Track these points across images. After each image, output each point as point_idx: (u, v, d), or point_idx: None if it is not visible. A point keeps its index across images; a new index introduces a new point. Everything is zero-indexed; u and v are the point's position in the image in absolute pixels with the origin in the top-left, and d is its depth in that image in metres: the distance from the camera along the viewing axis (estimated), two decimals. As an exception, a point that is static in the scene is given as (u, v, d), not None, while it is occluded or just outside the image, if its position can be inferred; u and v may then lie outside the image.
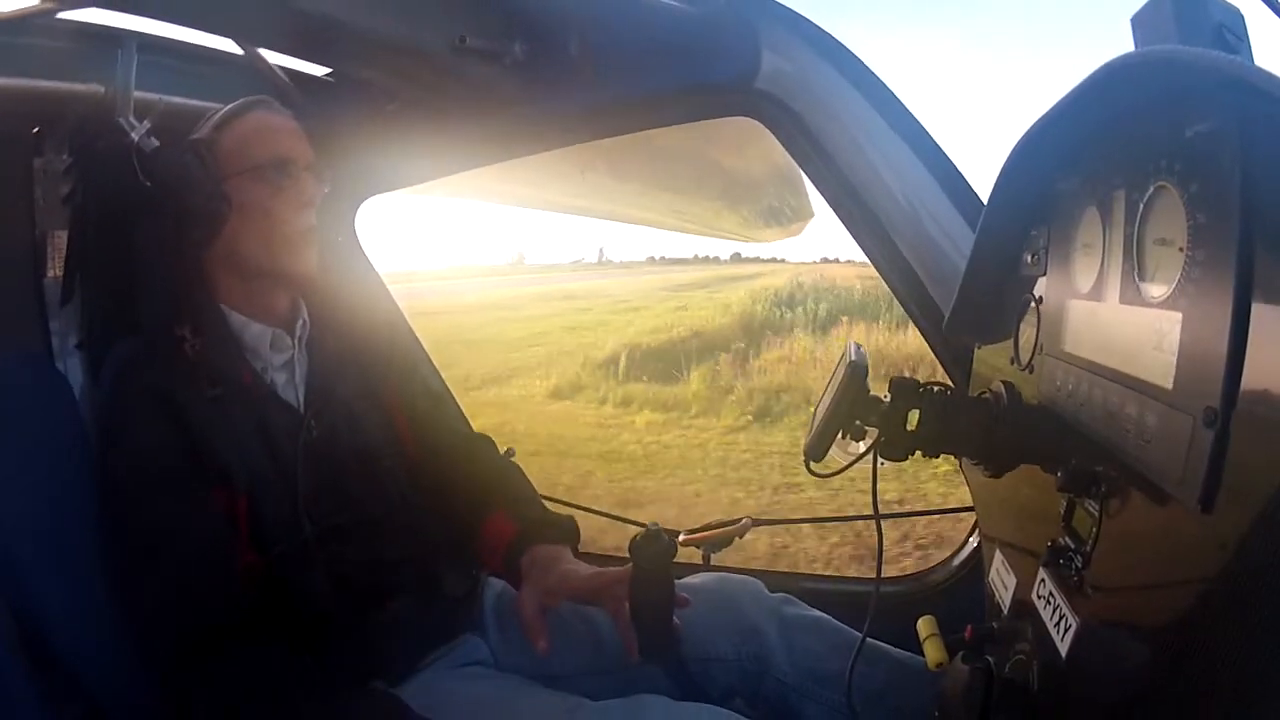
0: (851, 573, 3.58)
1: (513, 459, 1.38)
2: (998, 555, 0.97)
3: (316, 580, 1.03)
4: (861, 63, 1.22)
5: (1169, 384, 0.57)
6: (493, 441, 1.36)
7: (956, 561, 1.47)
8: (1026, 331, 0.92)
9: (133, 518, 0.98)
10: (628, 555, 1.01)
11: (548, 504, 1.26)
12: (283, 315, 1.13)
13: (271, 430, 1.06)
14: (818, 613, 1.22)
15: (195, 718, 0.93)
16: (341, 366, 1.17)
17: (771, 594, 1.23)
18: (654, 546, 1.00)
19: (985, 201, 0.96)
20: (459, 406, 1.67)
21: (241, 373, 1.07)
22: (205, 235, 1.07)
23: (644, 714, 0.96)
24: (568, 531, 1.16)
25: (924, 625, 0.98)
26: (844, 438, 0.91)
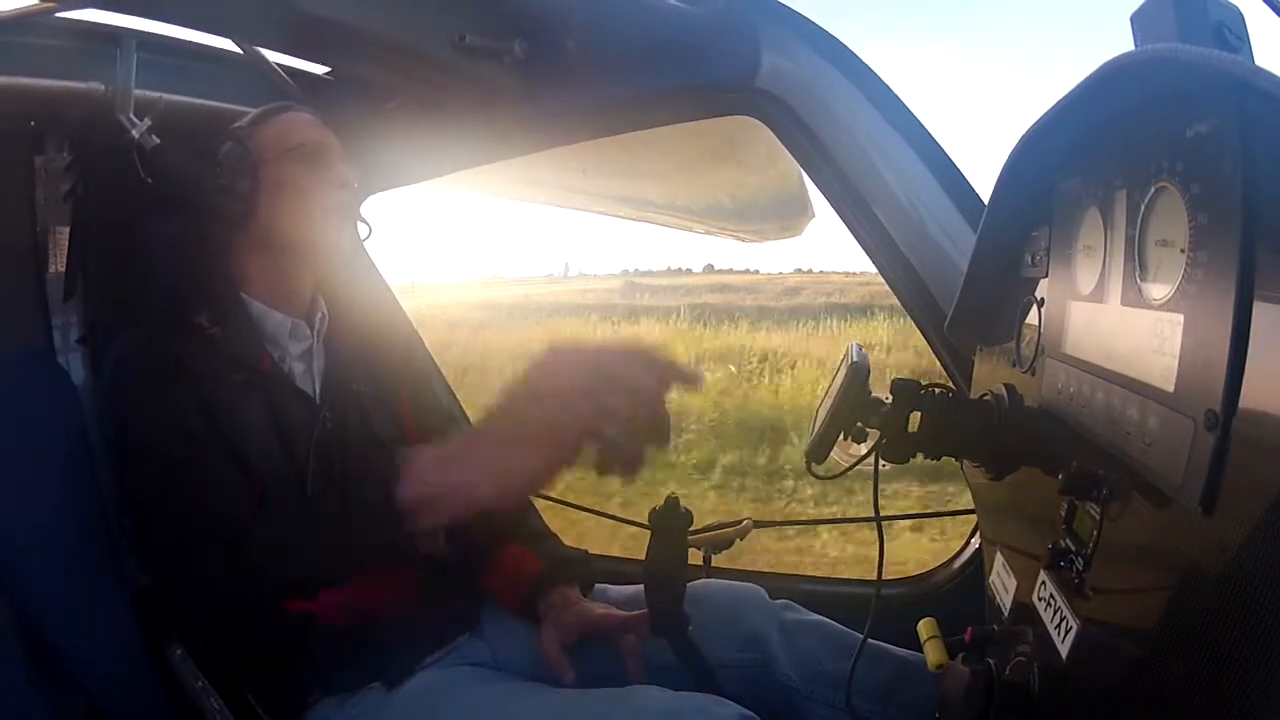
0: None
1: None
2: (998, 558, 0.97)
3: None
4: (862, 62, 1.22)
5: (1170, 386, 0.57)
6: None
7: (957, 564, 1.47)
8: (1028, 333, 0.92)
9: (148, 468, 0.97)
10: (627, 556, 1.02)
11: (546, 504, 1.26)
12: (303, 305, 1.15)
13: (287, 420, 1.06)
14: (818, 616, 1.22)
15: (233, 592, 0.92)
16: (355, 364, 1.18)
17: (773, 600, 1.23)
18: (673, 515, 1.02)
19: (986, 202, 0.96)
20: (471, 424, 1.67)
21: (261, 359, 1.08)
22: (241, 214, 1.08)
23: (645, 703, 0.96)
24: (584, 568, 1.20)
25: (925, 627, 0.98)
26: (845, 439, 0.91)
